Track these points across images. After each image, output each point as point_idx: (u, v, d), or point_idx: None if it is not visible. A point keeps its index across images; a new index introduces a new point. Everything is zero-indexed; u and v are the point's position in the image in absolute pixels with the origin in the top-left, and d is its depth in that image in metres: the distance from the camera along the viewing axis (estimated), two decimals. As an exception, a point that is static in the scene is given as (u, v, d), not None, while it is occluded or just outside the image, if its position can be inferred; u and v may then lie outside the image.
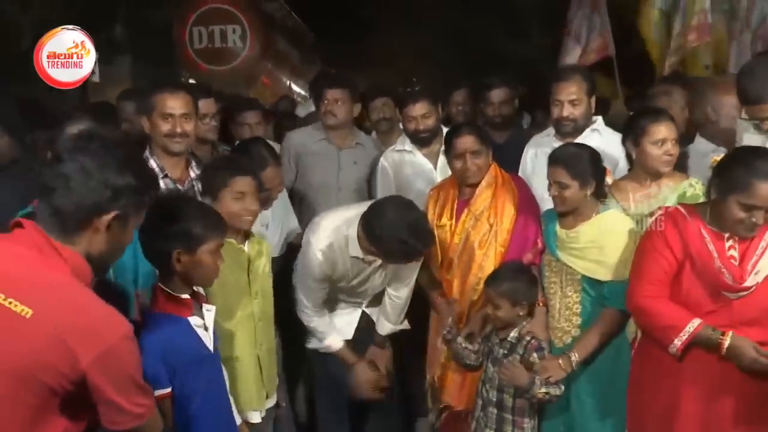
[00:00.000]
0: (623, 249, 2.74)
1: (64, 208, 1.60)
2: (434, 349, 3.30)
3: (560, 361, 2.81)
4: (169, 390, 2.11)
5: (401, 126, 3.94)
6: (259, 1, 8.13)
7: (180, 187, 2.89)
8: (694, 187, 2.89)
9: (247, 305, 2.69)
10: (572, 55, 5.63)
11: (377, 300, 3.33)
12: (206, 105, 3.49)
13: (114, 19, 7.99)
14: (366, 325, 3.36)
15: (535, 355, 2.85)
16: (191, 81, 7.59)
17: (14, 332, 1.52)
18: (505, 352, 2.90)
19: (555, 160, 2.86)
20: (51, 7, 7.34)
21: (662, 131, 2.90)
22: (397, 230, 2.76)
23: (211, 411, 2.21)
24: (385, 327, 3.32)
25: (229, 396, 2.40)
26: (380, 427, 3.51)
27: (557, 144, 3.29)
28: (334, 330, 3.24)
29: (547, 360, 2.83)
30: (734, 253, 2.40)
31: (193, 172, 2.96)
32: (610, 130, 3.39)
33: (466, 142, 3.09)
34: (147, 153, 2.91)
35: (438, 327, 3.27)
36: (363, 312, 3.35)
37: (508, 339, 2.91)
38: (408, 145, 3.78)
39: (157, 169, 2.85)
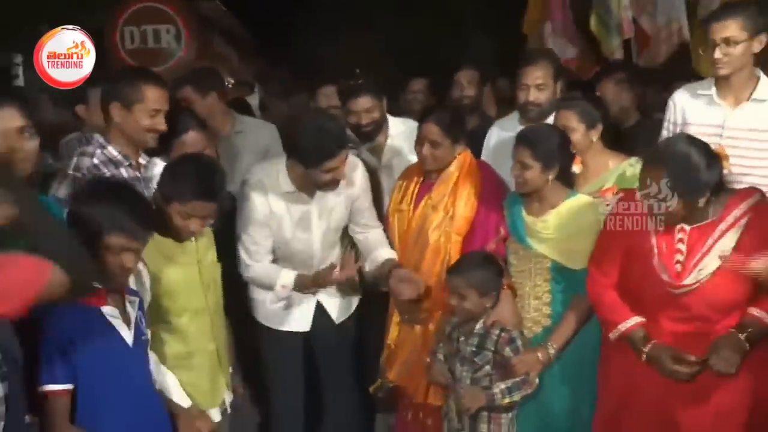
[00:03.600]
0: (595, 235, 2.67)
1: None
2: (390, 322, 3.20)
3: (539, 354, 2.71)
4: (65, 387, 2.02)
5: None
6: (195, 0, 7.86)
7: (138, 174, 2.80)
8: (634, 167, 2.83)
9: (200, 299, 2.61)
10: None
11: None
12: None
13: (40, 20, 7.61)
14: (322, 318, 3.23)
15: (507, 349, 2.72)
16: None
17: None
18: (474, 349, 2.76)
19: (521, 139, 2.80)
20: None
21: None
22: (308, 131, 2.85)
23: (127, 405, 2.10)
24: (384, 253, 3.13)
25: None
26: (338, 422, 3.40)
27: (521, 129, 3.21)
28: (280, 269, 3.09)
29: (525, 354, 2.71)
30: (682, 246, 2.37)
31: (143, 159, 2.87)
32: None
33: (429, 130, 2.99)
34: (101, 141, 2.75)
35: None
36: (318, 303, 3.23)
37: (475, 331, 2.77)
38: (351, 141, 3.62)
39: (120, 157, 2.75)
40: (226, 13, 8.54)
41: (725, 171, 2.37)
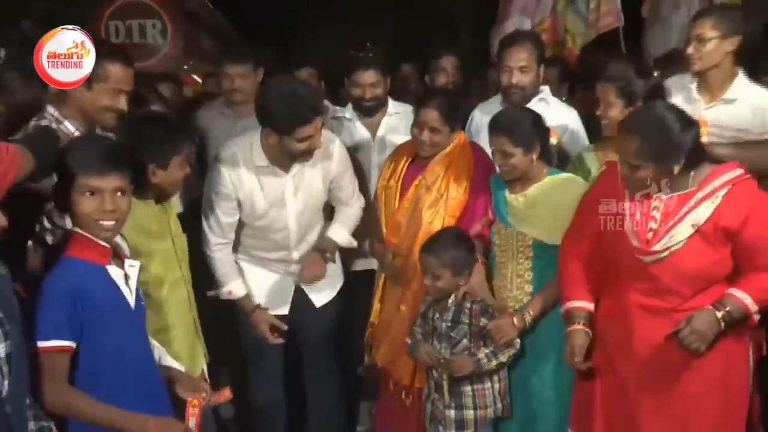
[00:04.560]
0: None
1: None
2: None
3: (514, 320, 2.73)
4: (69, 344, 1.94)
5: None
6: (181, -5, 7.85)
7: None
8: None
9: (176, 270, 2.59)
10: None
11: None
12: None
13: (23, 14, 7.56)
14: (303, 302, 3.21)
15: (483, 319, 2.74)
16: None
17: None
18: (449, 324, 2.76)
19: (495, 127, 2.79)
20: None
21: (599, 93, 2.92)
22: (280, 97, 2.81)
23: (127, 370, 2.04)
24: (337, 231, 3.18)
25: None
26: (320, 409, 3.38)
27: (492, 117, 3.21)
28: (240, 276, 3.11)
29: (499, 320, 2.73)
30: (657, 214, 2.33)
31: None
32: (556, 100, 3.38)
33: (429, 116, 2.97)
34: (56, 115, 2.53)
35: (379, 278, 3.18)
36: (298, 286, 3.20)
37: (448, 306, 2.77)
38: (348, 113, 3.63)
39: (77, 134, 2.58)
40: (212, 10, 8.51)
41: (704, 138, 2.35)
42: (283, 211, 3.04)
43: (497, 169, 2.99)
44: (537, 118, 2.80)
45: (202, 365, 2.69)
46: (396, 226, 3.09)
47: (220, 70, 3.72)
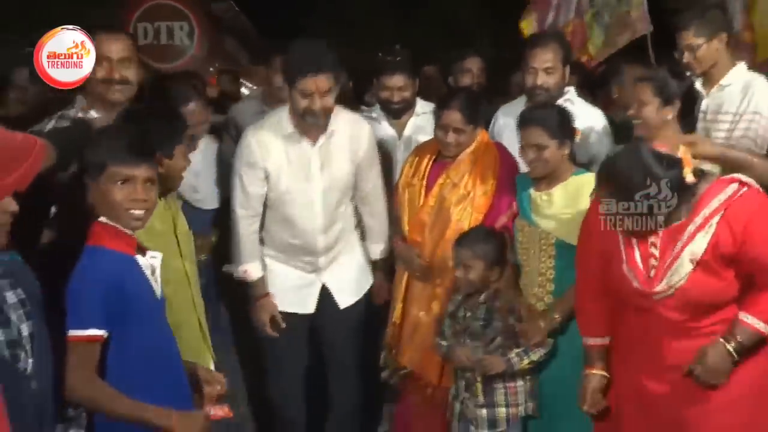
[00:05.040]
0: None
1: None
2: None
3: (541, 323, 2.73)
4: (103, 333, 1.90)
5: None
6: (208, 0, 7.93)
7: None
8: None
9: (179, 268, 2.52)
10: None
11: (335, 268, 3.20)
12: None
13: (52, 16, 7.68)
14: (328, 301, 3.20)
15: (511, 318, 2.75)
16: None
17: None
18: (482, 322, 2.77)
19: (529, 121, 2.78)
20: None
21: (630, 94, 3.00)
22: (294, 45, 2.98)
23: (155, 360, 2.02)
24: (375, 249, 3.28)
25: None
26: (341, 410, 3.35)
27: (521, 112, 3.19)
28: (258, 258, 3.13)
29: (527, 323, 2.74)
30: (655, 251, 2.24)
31: None
32: (582, 101, 3.36)
33: (452, 117, 3.00)
34: (83, 104, 2.56)
35: (400, 278, 3.18)
36: (323, 285, 3.20)
37: (480, 303, 2.77)
38: (375, 112, 3.66)
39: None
40: (239, 14, 8.57)
41: (688, 178, 2.20)
42: (309, 186, 3.06)
43: (521, 168, 3.01)
44: (567, 113, 2.82)
45: (210, 366, 2.63)
46: (420, 225, 3.09)
47: (270, 67, 3.73)
